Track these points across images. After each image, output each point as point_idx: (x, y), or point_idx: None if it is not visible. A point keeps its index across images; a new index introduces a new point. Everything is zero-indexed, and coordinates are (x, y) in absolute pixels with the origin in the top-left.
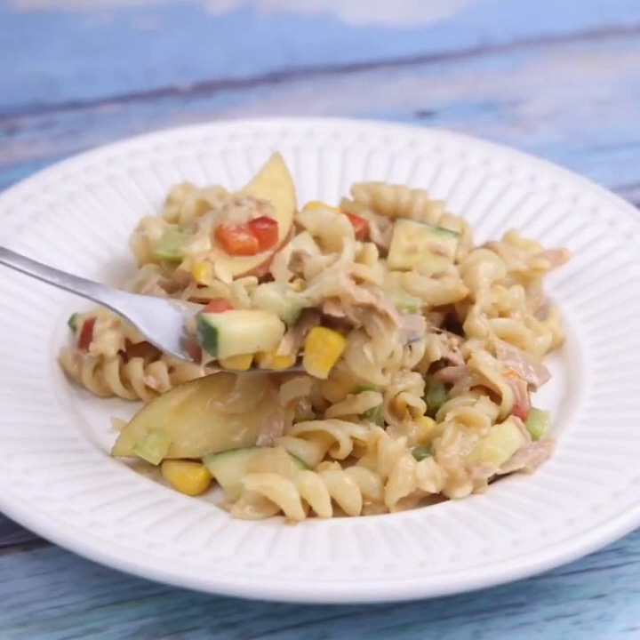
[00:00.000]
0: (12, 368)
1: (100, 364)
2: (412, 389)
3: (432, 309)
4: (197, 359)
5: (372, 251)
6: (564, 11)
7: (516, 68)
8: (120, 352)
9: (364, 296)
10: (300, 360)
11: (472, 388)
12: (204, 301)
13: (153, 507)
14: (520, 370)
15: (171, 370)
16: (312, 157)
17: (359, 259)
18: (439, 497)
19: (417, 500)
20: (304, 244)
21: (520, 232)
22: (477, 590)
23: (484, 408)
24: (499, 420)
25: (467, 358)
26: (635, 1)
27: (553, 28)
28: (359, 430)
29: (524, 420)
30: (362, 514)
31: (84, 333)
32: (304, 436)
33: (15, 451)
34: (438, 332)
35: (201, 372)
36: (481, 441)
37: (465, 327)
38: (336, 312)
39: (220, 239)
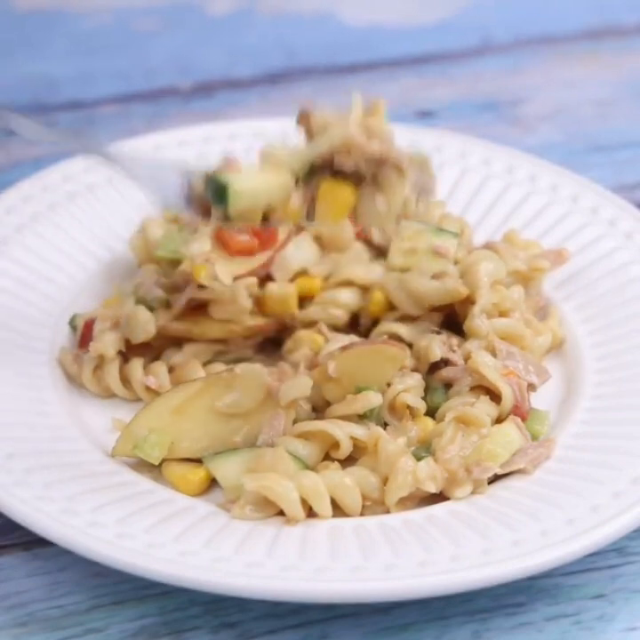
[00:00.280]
0: (12, 368)
1: (99, 364)
2: (411, 389)
3: (432, 309)
4: (205, 216)
5: (381, 105)
6: (564, 11)
7: (516, 68)
8: (120, 352)
9: (374, 146)
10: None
11: (472, 388)
12: (204, 303)
13: (153, 507)
14: (520, 370)
15: (171, 370)
16: None
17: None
18: (439, 497)
19: (417, 499)
20: (304, 244)
21: (520, 232)
22: (477, 590)
23: (483, 408)
24: (499, 420)
25: (467, 358)
26: (635, 1)
27: (553, 28)
28: (359, 430)
29: (523, 420)
30: (362, 514)
31: (84, 333)
32: (304, 435)
33: (15, 451)
34: (438, 333)
35: (201, 372)
36: (481, 441)
37: (465, 327)
38: (347, 163)
39: (221, 240)
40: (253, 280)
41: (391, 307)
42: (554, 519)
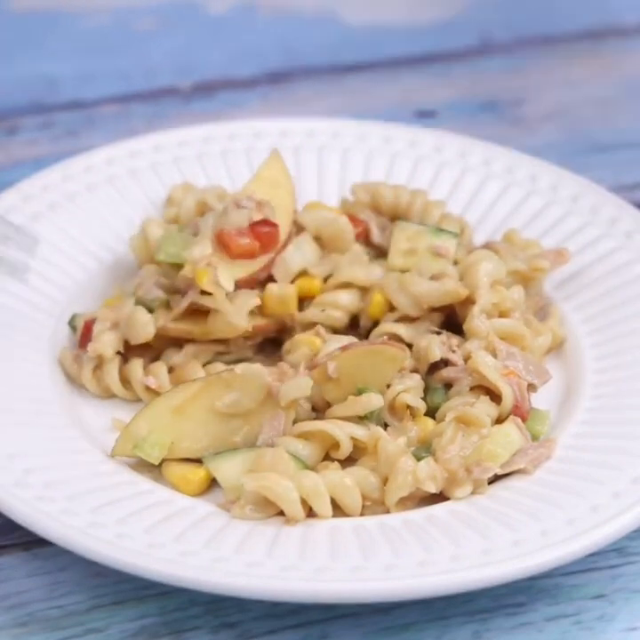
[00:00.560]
0: (13, 368)
1: (99, 364)
2: (411, 390)
3: (432, 310)
4: None
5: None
6: (564, 11)
7: (516, 68)
8: (120, 353)
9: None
10: None
11: (472, 389)
12: (204, 309)
13: (153, 507)
14: (520, 370)
15: (170, 370)
16: (312, 157)
17: None
18: (439, 497)
19: (417, 500)
20: (305, 245)
21: (520, 232)
22: (477, 590)
23: (483, 408)
24: (499, 421)
25: (467, 358)
26: (635, 1)
27: (553, 28)
28: (359, 430)
29: (524, 420)
30: (362, 514)
31: (84, 333)
32: (304, 436)
33: (15, 451)
34: (438, 333)
35: (201, 372)
36: (481, 441)
37: (465, 327)
38: None
39: (222, 243)
40: (256, 300)
41: (391, 308)
42: (554, 519)
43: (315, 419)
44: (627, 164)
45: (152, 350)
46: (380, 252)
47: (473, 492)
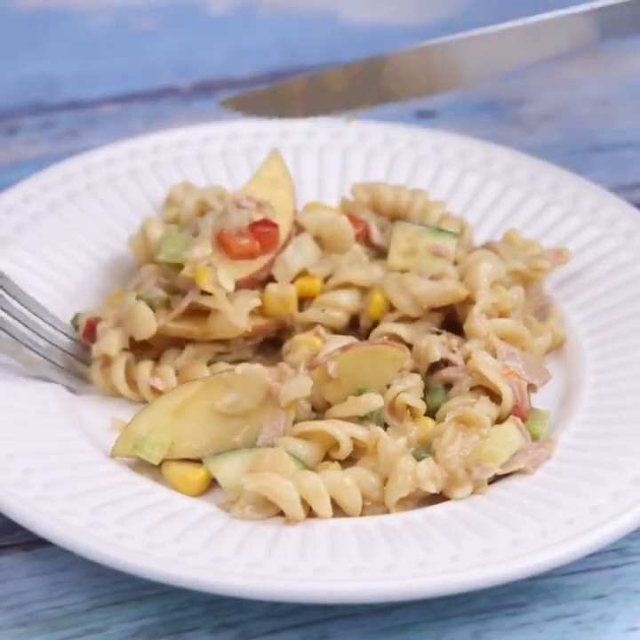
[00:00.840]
0: (12, 368)
1: (106, 362)
2: (411, 390)
3: (432, 310)
4: None
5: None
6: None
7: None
8: (127, 351)
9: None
10: None
11: (472, 389)
12: (204, 310)
13: (153, 507)
14: (520, 370)
15: (177, 372)
16: (312, 157)
17: None
18: (439, 497)
19: (417, 500)
20: (305, 245)
21: (520, 232)
22: (477, 590)
23: (483, 408)
24: (499, 421)
25: (467, 358)
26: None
27: None
28: (359, 431)
29: (524, 420)
30: (362, 514)
31: (87, 332)
32: (304, 436)
33: (15, 451)
34: (438, 333)
35: (206, 372)
36: (481, 441)
37: (465, 328)
38: None
39: (222, 243)
40: (256, 301)
41: (391, 308)
42: (554, 519)
43: (315, 419)
44: (627, 164)
45: (152, 350)
46: (380, 253)
47: (473, 493)
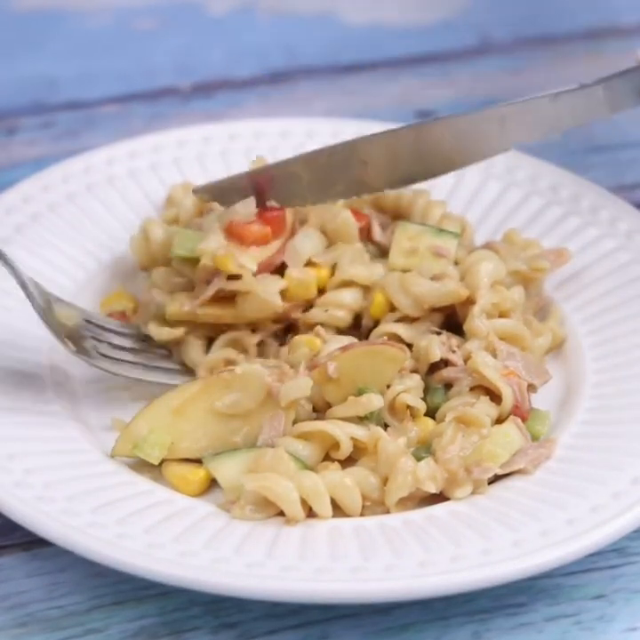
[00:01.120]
0: (12, 368)
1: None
2: (411, 390)
3: (432, 310)
4: None
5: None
6: (563, 11)
7: (516, 68)
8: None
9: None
10: None
11: (472, 389)
12: (230, 296)
13: (153, 507)
14: (520, 370)
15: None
16: None
17: None
18: (439, 497)
19: (417, 500)
20: (312, 234)
21: (520, 232)
22: (477, 590)
23: (483, 408)
24: (499, 421)
25: (467, 359)
26: (635, 1)
27: (553, 28)
28: (359, 431)
29: (524, 420)
30: (362, 514)
31: None
32: (304, 436)
33: (15, 451)
34: (438, 333)
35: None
36: (481, 441)
37: (465, 327)
38: None
39: (234, 234)
40: (283, 282)
41: (392, 308)
42: (554, 519)
43: (315, 419)
44: (627, 164)
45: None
46: (381, 251)
47: (473, 493)
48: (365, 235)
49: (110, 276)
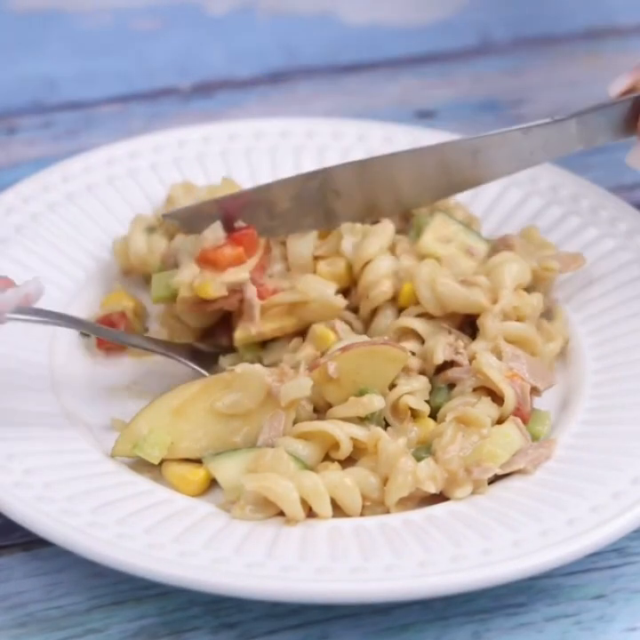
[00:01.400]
0: (12, 369)
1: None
2: (416, 392)
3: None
4: None
5: None
6: (563, 11)
7: (516, 68)
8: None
9: None
10: None
11: (475, 390)
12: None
13: (153, 507)
14: (524, 373)
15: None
16: (312, 157)
17: None
18: (439, 497)
19: (417, 500)
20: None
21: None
22: (477, 591)
23: (484, 409)
24: (499, 422)
25: (471, 359)
26: (635, 1)
27: (553, 28)
28: (359, 431)
29: (525, 422)
30: (362, 514)
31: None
32: (304, 436)
33: (15, 451)
34: (449, 331)
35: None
36: (481, 441)
37: (478, 321)
38: None
39: (207, 261)
40: (333, 284)
41: (416, 301)
42: (554, 519)
43: (315, 419)
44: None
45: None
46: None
47: (473, 493)
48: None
49: (110, 276)
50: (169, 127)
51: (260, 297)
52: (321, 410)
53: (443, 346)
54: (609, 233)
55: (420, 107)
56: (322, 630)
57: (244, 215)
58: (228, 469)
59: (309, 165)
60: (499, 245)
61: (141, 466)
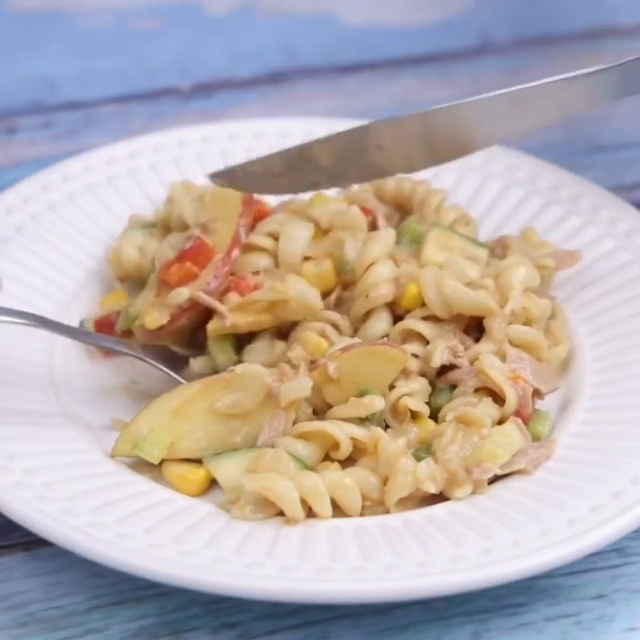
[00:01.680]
0: (12, 369)
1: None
2: (416, 394)
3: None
4: None
5: None
6: (564, 11)
7: (516, 68)
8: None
9: None
10: None
11: (477, 391)
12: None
13: (153, 507)
14: (527, 375)
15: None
16: None
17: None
18: (439, 497)
19: (417, 500)
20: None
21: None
22: (477, 591)
23: (485, 409)
24: (500, 423)
25: (474, 360)
26: (635, 1)
27: (553, 28)
28: (359, 431)
29: (525, 424)
30: (362, 514)
31: (98, 332)
32: (304, 436)
33: (15, 451)
34: (454, 334)
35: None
36: (481, 442)
37: (485, 324)
38: None
39: (163, 282)
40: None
41: (422, 303)
42: (554, 519)
43: (315, 420)
44: (627, 164)
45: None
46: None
47: (473, 493)
48: (371, 228)
49: (110, 276)
50: (169, 127)
51: (240, 292)
52: (321, 411)
53: (441, 349)
54: (609, 233)
55: (420, 107)
56: (322, 630)
57: (290, 171)
58: (228, 469)
59: None
60: (496, 246)
61: (141, 466)
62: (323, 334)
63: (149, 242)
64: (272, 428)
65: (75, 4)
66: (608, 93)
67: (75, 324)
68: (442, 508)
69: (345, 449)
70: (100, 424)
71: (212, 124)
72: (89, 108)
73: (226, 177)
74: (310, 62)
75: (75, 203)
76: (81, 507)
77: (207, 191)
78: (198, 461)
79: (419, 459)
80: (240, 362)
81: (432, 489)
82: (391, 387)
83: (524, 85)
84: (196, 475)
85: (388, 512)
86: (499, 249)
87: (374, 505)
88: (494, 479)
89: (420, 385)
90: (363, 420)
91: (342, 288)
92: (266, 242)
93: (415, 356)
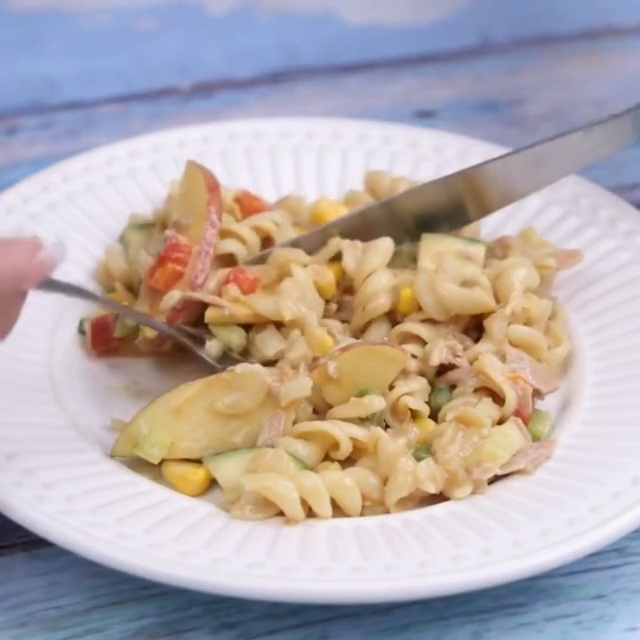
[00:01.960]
0: (12, 368)
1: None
2: (416, 393)
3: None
4: None
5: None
6: (563, 11)
7: (516, 68)
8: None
9: None
10: None
11: (476, 390)
12: None
13: (153, 507)
14: (527, 375)
15: None
16: (312, 157)
17: None
18: (439, 497)
19: (417, 500)
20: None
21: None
22: (477, 591)
23: (485, 409)
24: (500, 423)
25: (474, 360)
26: (635, 1)
27: (552, 28)
28: (359, 431)
29: (525, 424)
30: (362, 514)
31: (94, 334)
32: (304, 436)
33: (15, 451)
34: (453, 335)
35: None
36: (481, 441)
37: (485, 322)
38: None
39: (151, 290)
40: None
41: (419, 307)
42: (554, 519)
43: (315, 420)
44: (627, 164)
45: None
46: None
47: (473, 493)
48: None
49: (109, 276)
50: (169, 127)
51: (239, 285)
52: (321, 411)
53: (440, 348)
54: (609, 233)
55: (420, 107)
56: (322, 630)
57: (376, 231)
58: (227, 469)
59: (309, 165)
60: (496, 246)
61: (141, 466)
62: (329, 331)
63: (137, 252)
64: (272, 427)
65: (75, 4)
66: (622, 140)
67: (74, 323)
68: (442, 508)
69: (345, 449)
70: (100, 424)
71: (211, 124)
72: (89, 108)
73: (302, 245)
74: (310, 62)
75: (75, 203)
76: (81, 507)
77: (175, 188)
78: (198, 461)
79: (419, 459)
80: (253, 345)
81: (432, 489)
82: (391, 387)
83: (543, 142)
84: (196, 475)
85: (387, 512)
86: (499, 249)
87: (374, 505)
88: (494, 479)
89: (420, 384)
90: (363, 420)
91: (343, 291)
92: (245, 231)
93: (414, 356)
